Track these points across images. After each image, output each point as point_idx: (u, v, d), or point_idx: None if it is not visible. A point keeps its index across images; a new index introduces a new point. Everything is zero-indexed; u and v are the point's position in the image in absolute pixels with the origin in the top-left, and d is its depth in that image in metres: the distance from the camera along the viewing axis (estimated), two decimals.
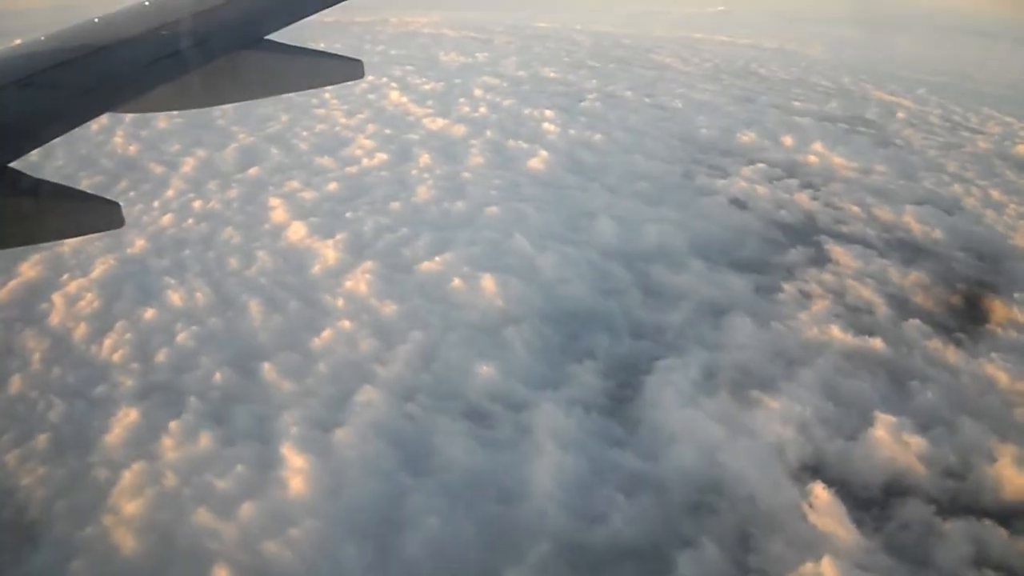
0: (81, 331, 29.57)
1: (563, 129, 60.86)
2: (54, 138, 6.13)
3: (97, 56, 7.21)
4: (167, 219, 39.83)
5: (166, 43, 7.69)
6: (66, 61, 7.00)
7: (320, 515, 21.11)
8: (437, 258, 36.09)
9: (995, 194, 52.98)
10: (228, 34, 8.19)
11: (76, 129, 6.33)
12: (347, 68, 8.60)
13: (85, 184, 42.79)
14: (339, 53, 8.63)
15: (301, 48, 8.37)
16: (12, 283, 32.33)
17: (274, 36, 8.40)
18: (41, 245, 33.04)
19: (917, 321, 34.38)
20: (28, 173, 5.71)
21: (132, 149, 50.04)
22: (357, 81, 8.94)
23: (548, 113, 64.91)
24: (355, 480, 22.56)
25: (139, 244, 36.62)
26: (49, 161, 44.99)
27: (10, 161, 5.64)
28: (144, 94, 7.20)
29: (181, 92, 7.92)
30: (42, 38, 7.59)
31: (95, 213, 6.27)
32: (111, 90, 6.91)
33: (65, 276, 33.25)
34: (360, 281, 33.57)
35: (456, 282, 34.08)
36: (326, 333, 29.86)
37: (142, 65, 7.29)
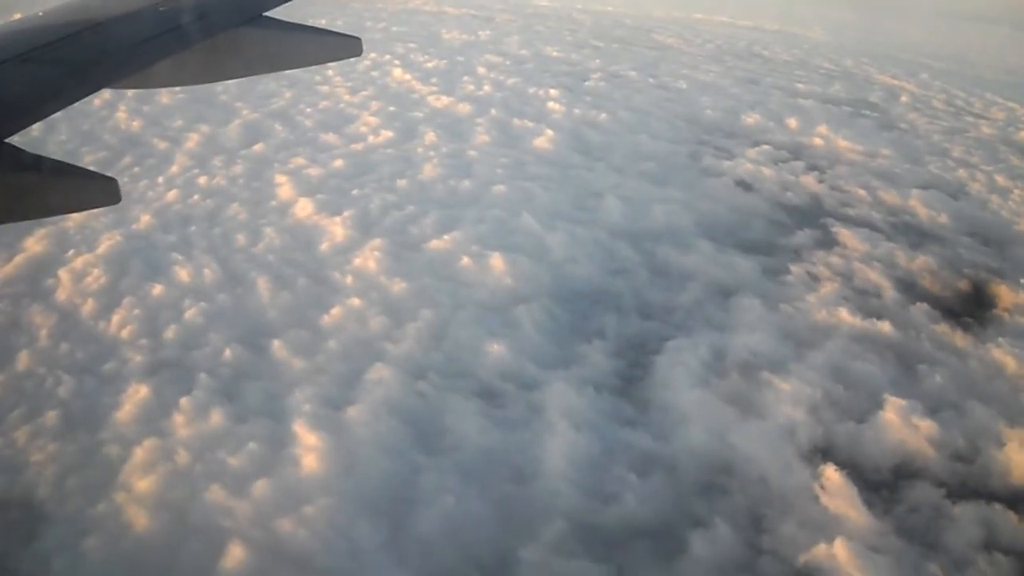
0: (88, 307, 29.25)
1: (568, 108, 60.73)
2: (52, 113, 6.12)
3: (96, 32, 7.19)
4: (172, 195, 39.49)
5: (165, 19, 7.70)
6: (65, 36, 6.96)
7: (334, 493, 21.02)
8: (445, 236, 35.95)
9: (1000, 179, 53.19)
10: (227, 10, 8.24)
11: (77, 104, 6.30)
12: (346, 45, 8.63)
13: (88, 160, 42.56)
14: (339, 31, 8.63)
15: (300, 25, 8.43)
16: (17, 258, 31.91)
17: (273, 13, 8.41)
18: (45, 220, 33.03)
19: (925, 305, 34.51)
20: (29, 148, 5.69)
21: (135, 125, 49.63)
22: (359, 58, 8.92)
23: (553, 92, 64.81)
24: (368, 458, 22.47)
25: (145, 220, 36.28)
26: (52, 136, 44.63)
27: (8, 136, 5.61)
28: (143, 70, 7.19)
29: (180, 68, 7.92)
30: (40, 13, 7.57)
31: (93, 189, 6.28)
32: (110, 66, 6.90)
33: (71, 252, 32.82)
34: (369, 259, 33.42)
35: (465, 260, 33.95)
36: (335, 310, 29.70)
37: (141, 41, 7.29)
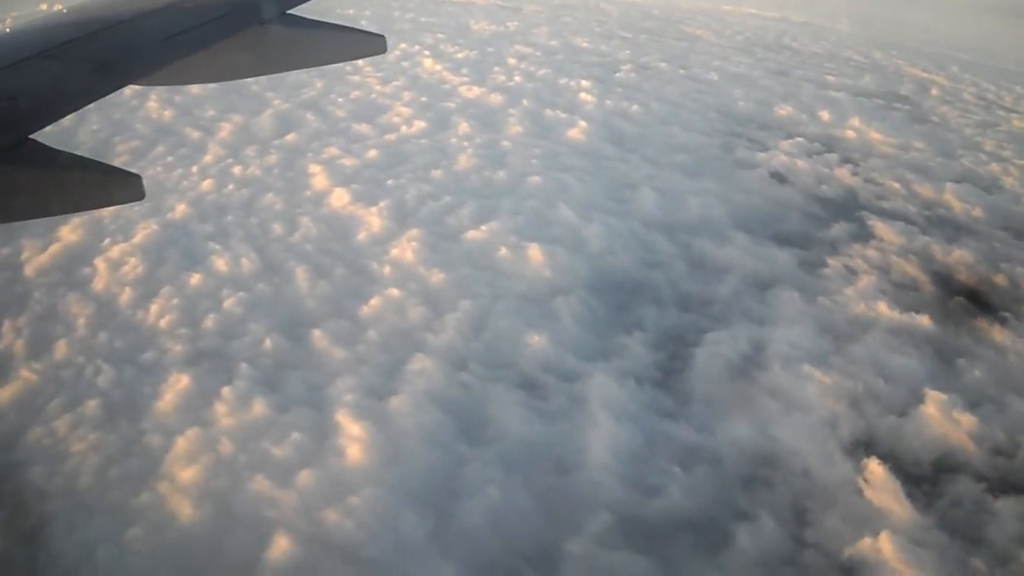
0: (126, 296, 29.37)
1: (600, 99, 60.48)
2: (76, 110, 6.22)
3: (119, 29, 7.29)
4: (207, 184, 39.60)
5: (189, 17, 7.78)
6: (90, 33, 7.06)
7: (379, 483, 21.05)
8: (483, 227, 35.92)
9: None
10: (250, 8, 8.26)
11: (113, 95, 6.34)
12: (370, 43, 8.66)
13: (121, 149, 42.86)
14: (362, 28, 8.68)
15: (323, 23, 8.45)
16: (53, 247, 32.07)
17: (300, 9, 8.43)
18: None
19: (962, 299, 34.30)
20: (61, 138, 5.75)
21: (167, 114, 49.75)
22: (387, 50, 8.87)
23: (584, 83, 64.56)
24: (412, 449, 22.51)
25: (180, 209, 36.42)
26: (83, 125, 44.80)
27: (32, 133, 5.70)
28: (165, 67, 7.21)
29: (203, 66, 7.97)
30: (65, 10, 7.61)
31: (117, 185, 6.31)
32: (133, 63, 6.98)
33: (107, 241, 32.97)
34: (406, 249, 33.43)
35: (503, 251, 33.93)
36: (374, 301, 29.74)
37: (164, 39, 7.34)
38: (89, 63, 6.60)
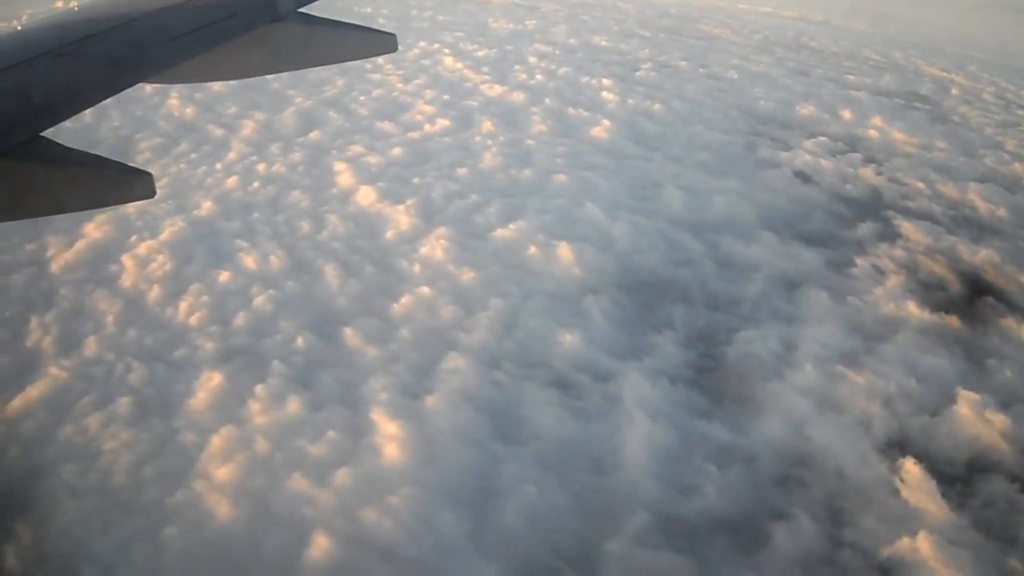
0: (155, 293, 29.33)
1: (622, 98, 60.33)
2: (87, 108, 6.21)
3: (130, 27, 7.27)
4: (232, 181, 39.57)
5: (200, 15, 7.77)
6: (100, 31, 7.05)
7: (417, 482, 20.98)
8: (511, 225, 35.89)
9: None
10: (262, 6, 8.27)
11: (126, 91, 6.40)
12: (381, 42, 8.70)
13: (143, 146, 42.84)
14: (374, 27, 8.67)
15: (334, 21, 8.45)
16: (79, 244, 32.02)
17: (314, 7, 8.47)
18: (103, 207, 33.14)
19: (990, 299, 34.20)
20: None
21: (188, 112, 49.71)
22: (408, 47, 8.94)
23: (606, 82, 64.45)
24: (449, 448, 22.49)
25: (206, 206, 36.41)
26: (104, 123, 44.81)
27: (43, 130, 5.71)
28: (176, 66, 7.18)
29: (214, 63, 7.94)
30: (77, 8, 7.63)
31: (128, 183, 6.34)
32: (144, 61, 6.94)
33: (133, 238, 32.95)
34: (435, 247, 33.42)
35: (532, 250, 33.91)
36: (405, 299, 29.71)
37: (176, 37, 7.34)
38: (101, 61, 6.64)
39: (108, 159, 6.28)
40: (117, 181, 6.29)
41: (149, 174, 6.14)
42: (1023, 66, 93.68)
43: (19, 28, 7.73)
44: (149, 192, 6.14)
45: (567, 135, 50.48)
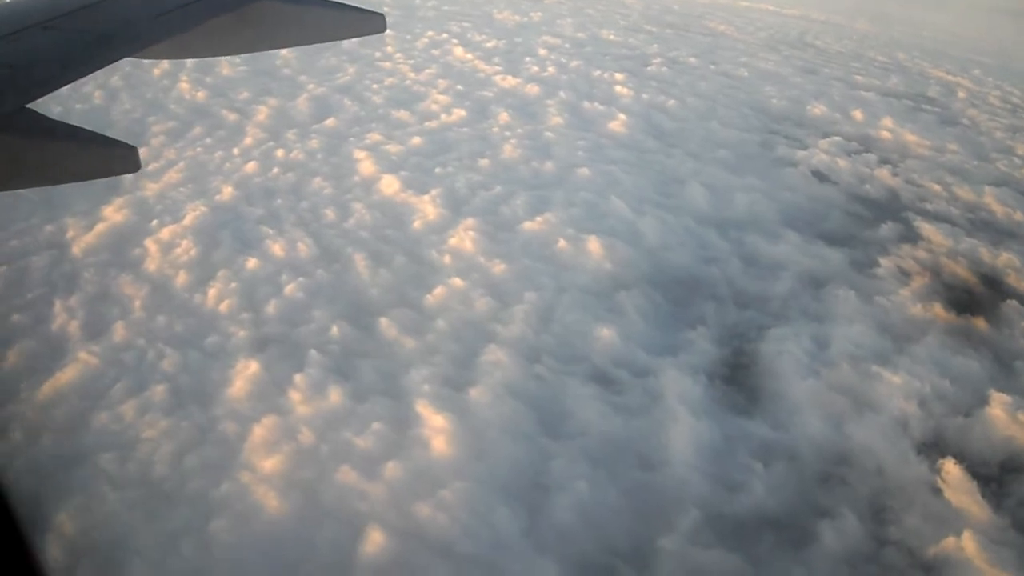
0: (182, 279, 28.96)
1: (636, 93, 60.20)
2: (73, 80, 6.25)
3: (117, 2, 7.38)
4: (251, 167, 39.27)
5: None
6: (88, 5, 7.16)
7: (468, 477, 20.78)
8: (538, 218, 35.75)
9: None
10: None
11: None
12: (368, 21, 8.76)
13: (157, 129, 42.53)
14: (362, 7, 8.73)
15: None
16: (99, 227, 31.63)
17: None
18: (121, 189, 33.00)
19: (1014, 302, 34.28)
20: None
21: (200, 96, 49.39)
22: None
23: (618, 76, 64.33)
24: (497, 441, 22.30)
25: (227, 191, 36.10)
26: (116, 105, 44.53)
27: (29, 102, 5.78)
28: (163, 40, 7.28)
29: (201, 40, 8.05)
30: None
31: (112, 156, 6.37)
32: (131, 36, 7.02)
33: (155, 222, 32.61)
34: (464, 239, 33.25)
35: (561, 243, 33.79)
36: (438, 290, 29.52)
37: (163, 12, 7.41)
38: (89, 34, 6.69)
39: (92, 131, 6.29)
40: (102, 154, 6.31)
41: (133, 147, 6.17)
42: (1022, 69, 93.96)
43: (6, 1, 7.73)
44: (133, 165, 6.18)
45: (585, 128, 50.40)
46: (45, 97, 5.84)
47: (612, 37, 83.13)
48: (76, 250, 30.18)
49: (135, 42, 6.95)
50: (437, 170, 40.70)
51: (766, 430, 24.46)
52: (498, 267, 31.39)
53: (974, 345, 30.60)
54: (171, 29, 7.23)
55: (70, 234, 31.03)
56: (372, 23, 8.63)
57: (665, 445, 22.99)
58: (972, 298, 34.58)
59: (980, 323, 32.09)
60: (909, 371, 27.91)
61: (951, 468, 23.44)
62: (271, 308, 27.91)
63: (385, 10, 8.94)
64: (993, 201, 46.47)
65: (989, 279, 36.57)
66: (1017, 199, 47.30)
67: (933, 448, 24.63)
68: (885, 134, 58.36)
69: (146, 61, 47.15)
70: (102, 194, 33.54)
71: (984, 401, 26.87)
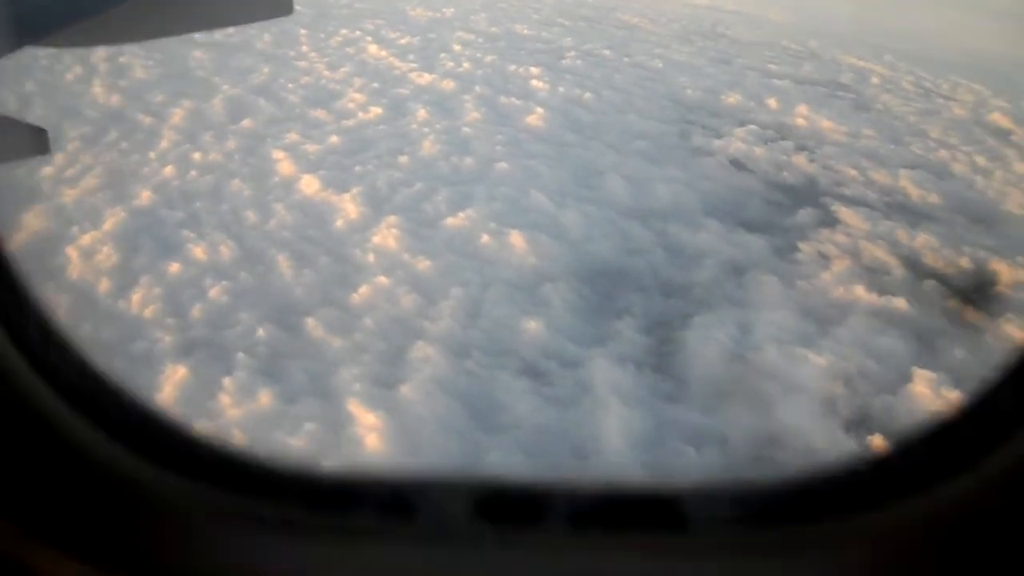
0: (105, 286, 28.60)
1: (552, 87, 60.29)
2: None
3: None
4: (168, 171, 38.71)
5: None
6: None
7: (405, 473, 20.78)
8: (460, 214, 35.74)
9: (980, 160, 53.57)
10: None
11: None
12: (275, 4, 8.68)
13: (73, 135, 41.73)
14: None
15: None
16: (19, 235, 31.02)
17: None
18: (40, 196, 32.32)
19: (933, 282, 34.82)
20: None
21: (114, 100, 48.57)
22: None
23: (534, 70, 64.25)
24: (432, 437, 22.37)
25: (146, 196, 35.57)
26: (29, 110, 43.59)
27: None
28: (67, 28, 7.14)
29: (103, 27, 7.93)
30: None
31: (22, 138, 6.33)
32: (33, 24, 6.86)
33: (75, 228, 32.10)
34: (388, 236, 33.10)
35: (485, 238, 33.82)
36: (364, 289, 29.42)
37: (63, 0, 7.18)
38: None
39: (2, 115, 6.22)
40: (11, 137, 6.19)
41: (44, 130, 6.08)
42: (938, 55, 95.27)
43: None
44: (43, 149, 6.10)
45: (503, 123, 50.31)
46: None
47: (526, 31, 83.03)
48: None
49: (36, 31, 6.72)
50: (357, 168, 40.42)
51: (696, 416, 24.61)
52: (423, 264, 31.29)
53: (896, 325, 30.98)
54: (75, 16, 6.95)
55: None
56: (278, 6, 8.50)
57: (598, 434, 23.10)
58: (892, 280, 35.01)
59: (900, 303, 32.45)
60: (834, 352, 28.24)
61: (879, 444, 23.69)
62: (196, 312, 27.63)
63: (298, 9, 8.83)
64: (909, 184, 47.10)
65: (908, 260, 37.01)
66: (931, 181, 47.99)
67: (861, 426, 24.96)
68: (800, 121, 58.93)
69: (58, 66, 46.22)
70: (21, 201, 32.82)
71: (908, 378, 27.29)
